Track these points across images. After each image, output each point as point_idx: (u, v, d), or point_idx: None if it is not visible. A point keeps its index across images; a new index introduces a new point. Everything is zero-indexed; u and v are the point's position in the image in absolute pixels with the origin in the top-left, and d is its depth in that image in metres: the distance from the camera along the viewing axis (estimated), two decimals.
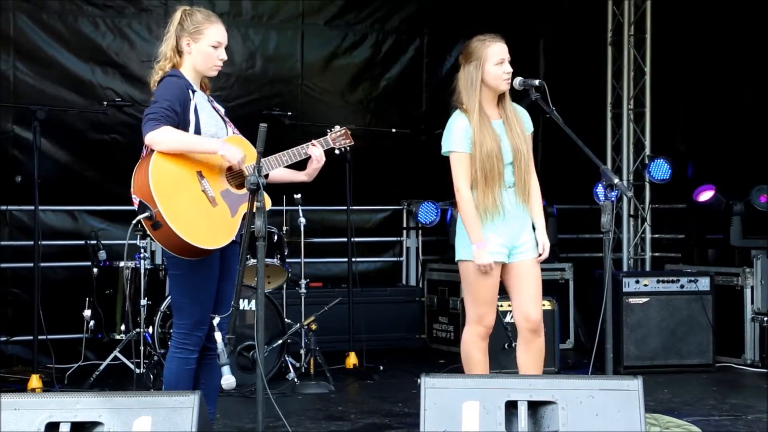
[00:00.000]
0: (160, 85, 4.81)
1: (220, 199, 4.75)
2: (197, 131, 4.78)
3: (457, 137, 5.33)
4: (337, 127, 5.23)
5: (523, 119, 5.46)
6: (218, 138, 4.85)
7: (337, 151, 5.22)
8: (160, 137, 4.63)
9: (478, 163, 5.29)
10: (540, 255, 5.38)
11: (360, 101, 9.70)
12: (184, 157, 4.71)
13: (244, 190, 4.75)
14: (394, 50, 9.79)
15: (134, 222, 4.62)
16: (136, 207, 4.63)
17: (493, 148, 5.28)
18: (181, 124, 4.74)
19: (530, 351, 5.45)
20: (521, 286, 5.40)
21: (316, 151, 5.02)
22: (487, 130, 5.31)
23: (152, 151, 4.65)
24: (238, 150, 4.76)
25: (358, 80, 9.72)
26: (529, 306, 5.40)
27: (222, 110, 5.06)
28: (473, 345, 5.45)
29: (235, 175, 4.86)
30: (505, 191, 5.32)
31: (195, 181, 4.71)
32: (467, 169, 5.31)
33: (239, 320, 6.90)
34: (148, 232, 4.66)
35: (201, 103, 4.87)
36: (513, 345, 6.91)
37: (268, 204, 4.60)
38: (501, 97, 5.41)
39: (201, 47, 4.85)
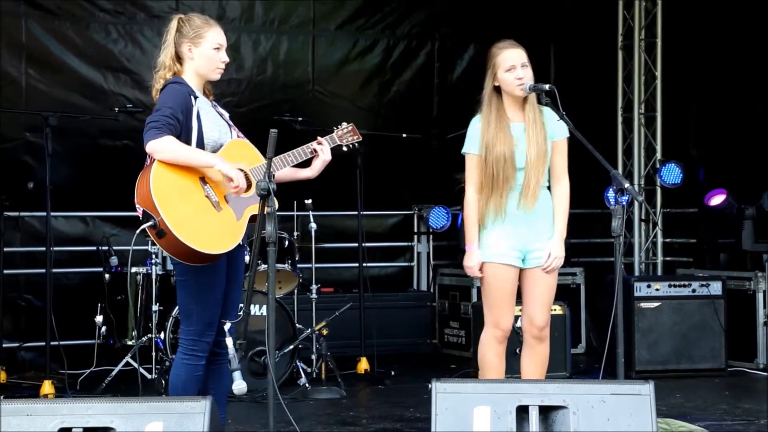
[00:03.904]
0: (163, 93, 4.83)
1: (224, 204, 4.77)
2: (199, 137, 4.80)
3: (471, 139, 5.42)
4: (344, 124, 5.23)
5: (548, 125, 5.40)
6: (221, 143, 4.87)
7: (345, 148, 5.20)
8: (161, 146, 4.64)
9: (487, 166, 5.34)
10: (546, 267, 5.40)
11: (371, 106, 9.69)
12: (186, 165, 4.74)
13: (250, 193, 4.79)
14: (405, 55, 9.79)
15: (138, 231, 4.65)
16: (140, 216, 4.65)
17: (503, 152, 5.31)
18: (184, 130, 4.76)
19: (533, 357, 5.46)
20: (531, 292, 5.43)
21: (322, 149, 5.03)
22: (500, 135, 5.33)
23: (154, 159, 4.68)
24: (234, 169, 4.73)
25: (369, 85, 9.73)
26: (536, 312, 5.42)
27: (226, 114, 5.07)
28: (489, 348, 5.46)
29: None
30: (511, 195, 5.35)
31: (198, 187, 4.73)
32: (475, 171, 5.38)
33: (250, 325, 6.90)
34: (154, 241, 4.68)
35: (204, 108, 4.88)
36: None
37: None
38: (525, 102, 5.41)
39: (203, 51, 4.89)
